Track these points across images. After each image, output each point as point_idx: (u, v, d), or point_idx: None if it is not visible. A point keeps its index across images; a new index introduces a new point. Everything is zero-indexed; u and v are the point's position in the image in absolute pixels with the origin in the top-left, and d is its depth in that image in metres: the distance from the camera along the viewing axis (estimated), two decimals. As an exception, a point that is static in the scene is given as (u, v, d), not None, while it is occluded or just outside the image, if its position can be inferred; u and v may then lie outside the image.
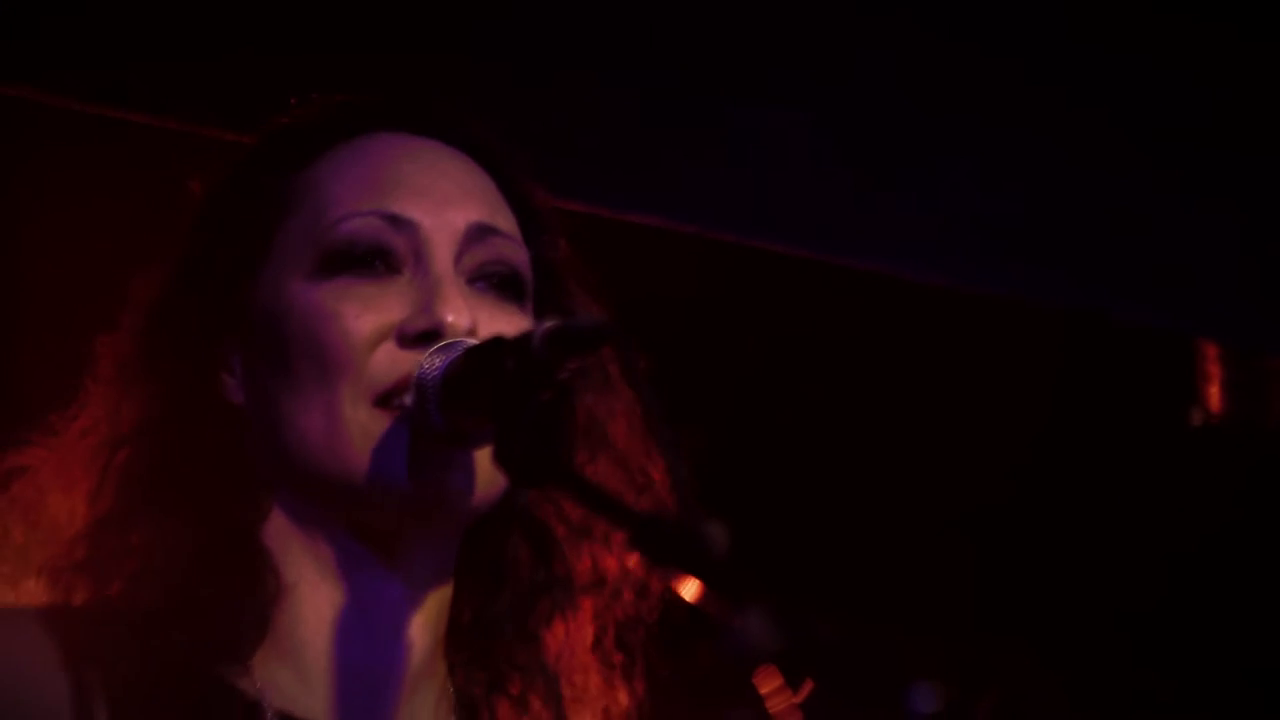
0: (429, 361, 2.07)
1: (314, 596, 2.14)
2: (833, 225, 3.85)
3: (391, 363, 2.09)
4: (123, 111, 3.37)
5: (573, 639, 2.25)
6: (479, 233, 2.17)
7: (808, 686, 1.67)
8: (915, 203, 3.91)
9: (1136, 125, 4.05)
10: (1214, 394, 4.48)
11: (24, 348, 3.33)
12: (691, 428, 1.99)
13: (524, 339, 2.00)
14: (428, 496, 2.09)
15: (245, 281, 2.19)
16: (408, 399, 2.08)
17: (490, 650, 2.24)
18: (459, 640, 2.24)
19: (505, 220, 2.22)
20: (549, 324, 1.99)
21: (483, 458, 2.10)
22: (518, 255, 2.21)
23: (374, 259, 2.14)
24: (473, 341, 2.08)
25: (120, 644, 2.06)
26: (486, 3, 3.56)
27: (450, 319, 2.09)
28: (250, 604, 2.12)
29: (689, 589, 1.74)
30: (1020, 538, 4.36)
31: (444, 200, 2.17)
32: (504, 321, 2.14)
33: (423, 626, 2.17)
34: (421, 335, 2.09)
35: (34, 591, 2.15)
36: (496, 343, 2.03)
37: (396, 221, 2.15)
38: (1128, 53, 4.03)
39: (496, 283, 2.18)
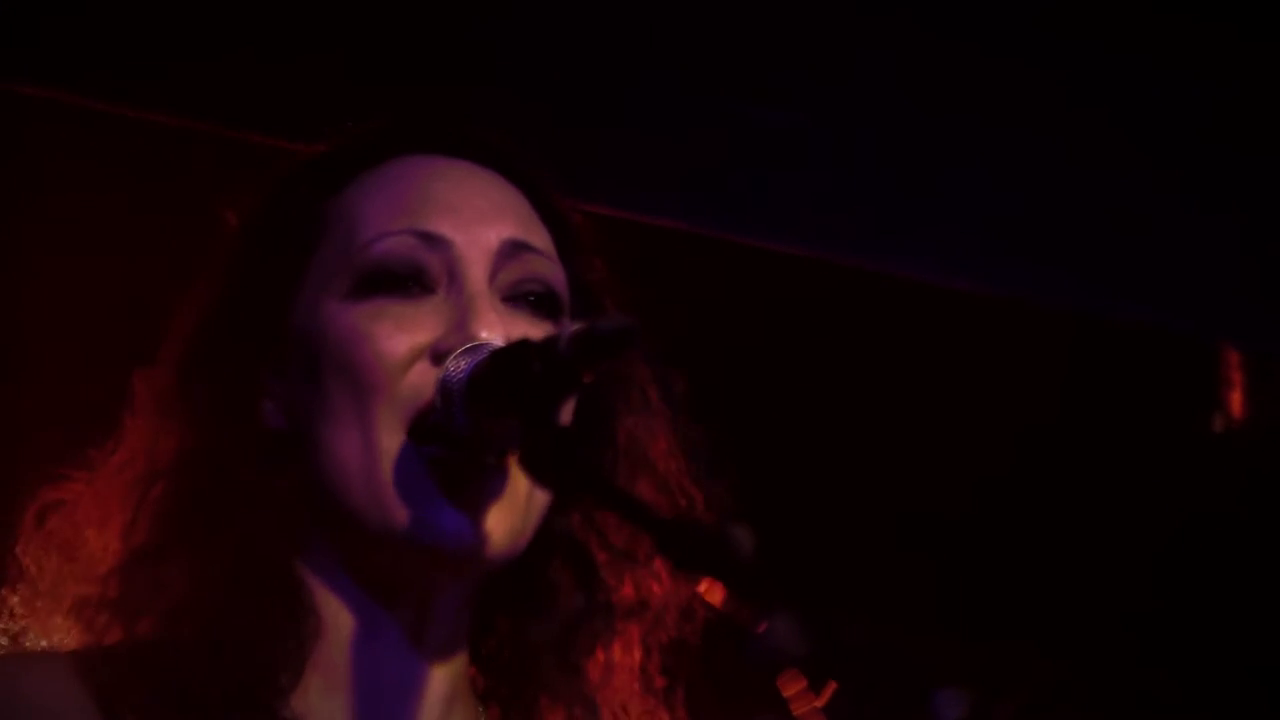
0: (454, 364, 2.06)
1: (349, 628, 2.13)
2: (842, 227, 3.85)
3: (425, 382, 2.09)
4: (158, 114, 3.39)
5: (615, 667, 2.24)
6: (513, 249, 2.16)
7: (830, 690, 1.67)
8: (927, 205, 3.91)
9: (1148, 126, 4.04)
10: (1236, 399, 4.47)
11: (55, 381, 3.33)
12: (715, 435, 2.00)
13: (551, 341, 1.99)
14: (463, 551, 2.08)
15: (282, 307, 2.18)
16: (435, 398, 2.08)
17: (529, 679, 2.23)
18: (497, 668, 2.24)
19: (539, 237, 2.21)
20: (575, 326, 1.99)
21: (520, 498, 2.09)
22: (553, 272, 2.20)
23: (408, 278, 2.13)
24: (499, 343, 2.07)
25: (153, 684, 2.05)
26: (489, 14, 3.57)
27: (484, 335, 2.08)
28: (287, 636, 2.10)
29: (715, 594, 1.74)
30: (1042, 543, 4.36)
31: (477, 217, 2.17)
32: None
33: (454, 654, 2.17)
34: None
35: (64, 628, 2.14)
36: (523, 345, 2.03)
37: (429, 239, 2.14)
38: (1154, 53, 4.03)
39: (532, 300, 2.17)
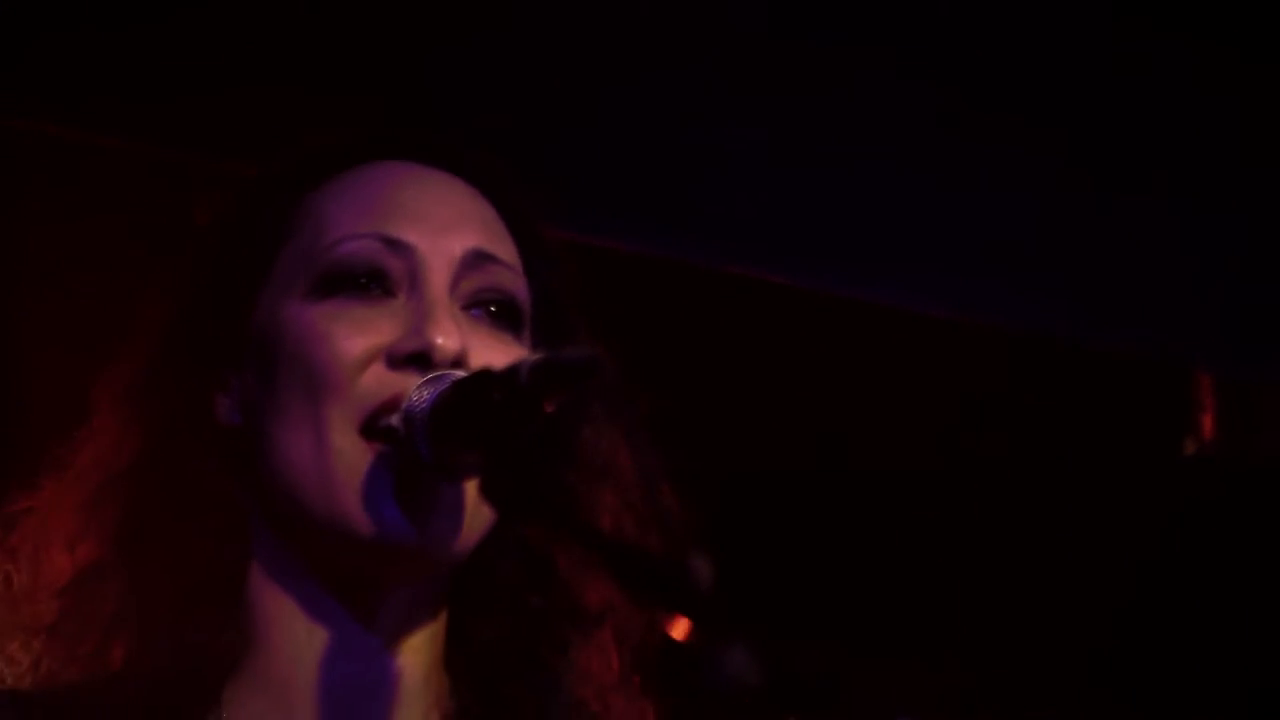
0: (417, 394, 2.07)
1: (293, 626, 2.14)
2: (807, 251, 3.86)
3: (380, 383, 2.10)
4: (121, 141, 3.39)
5: (591, 663, 2.24)
6: (476, 259, 2.18)
7: (790, 721, 1.67)
8: (896, 228, 3.92)
9: (1120, 149, 4.05)
10: (1207, 423, 4.48)
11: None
12: (677, 456, 1.99)
13: (511, 371, 2.00)
14: (410, 548, 2.09)
15: (244, 305, 2.20)
16: (394, 420, 2.08)
17: (496, 675, 2.23)
18: (465, 663, 2.24)
19: (505, 249, 2.22)
20: (536, 356, 1.99)
21: (469, 501, 2.10)
22: (515, 284, 2.21)
23: (369, 281, 2.14)
24: (461, 374, 2.08)
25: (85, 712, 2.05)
26: (458, 29, 3.58)
27: (439, 341, 2.09)
28: (225, 637, 2.11)
29: (676, 625, 1.74)
30: (1012, 568, 4.37)
31: (443, 226, 2.18)
32: (497, 350, 2.14)
33: (410, 652, 2.17)
34: (410, 357, 2.10)
35: (15, 655, 2.15)
36: (484, 375, 2.03)
37: (393, 245, 2.15)
38: (1126, 73, 4.04)
39: (492, 311, 2.18)
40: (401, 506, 2.08)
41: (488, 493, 1.98)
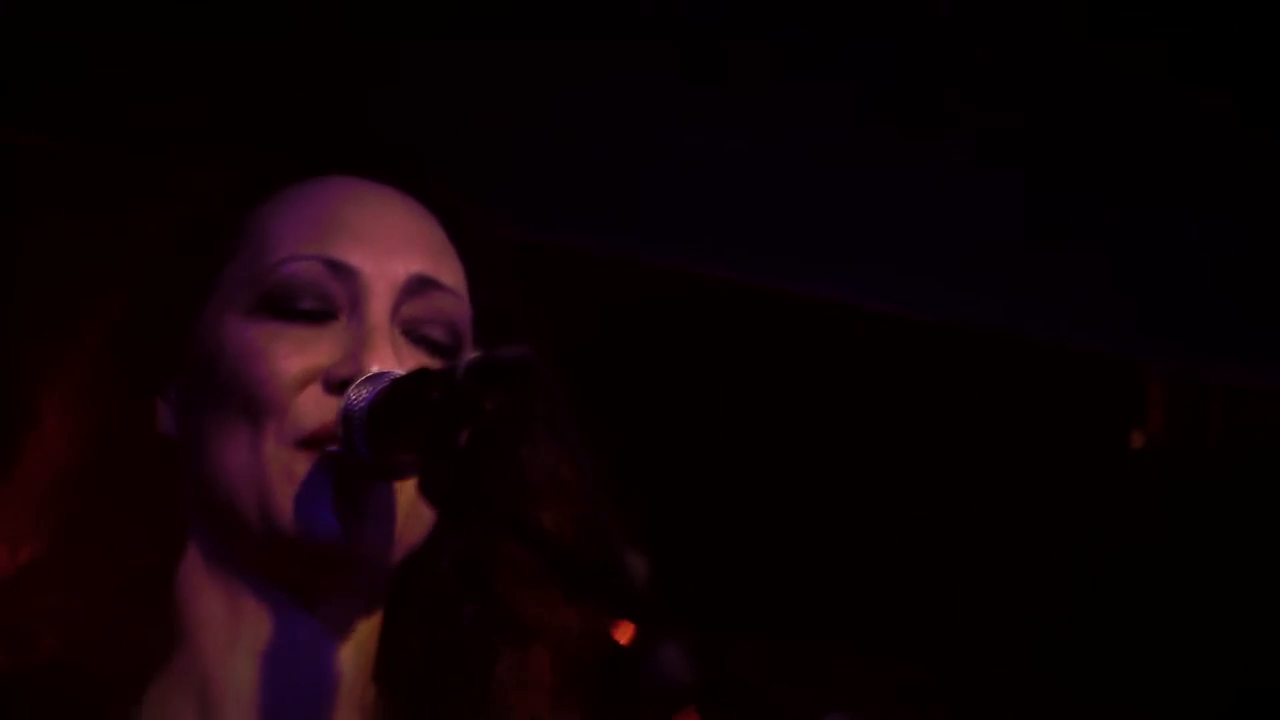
0: (355, 393, 2.08)
1: (219, 628, 2.15)
2: (759, 248, 3.87)
3: (316, 406, 2.11)
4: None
5: (523, 675, 2.25)
6: (419, 285, 2.18)
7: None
8: (845, 226, 3.93)
9: (1064, 140, 4.06)
10: (1155, 417, 4.51)
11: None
12: (620, 460, 2.00)
13: (449, 371, 2.01)
14: (340, 551, 2.11)
15: (186, 316, 2.20)
16: (332, 447, 2.10)
17: (424, 684, 2.23)
18: (394, 671, 2.24)
19: (449, 272, 2.23)
20: (473, 356, 2.01)
21: (404, 504, 2.12)
22: (457, 309, 2.22)
23: (311, 303, 2.15)
24: (399, 373, 2.09)
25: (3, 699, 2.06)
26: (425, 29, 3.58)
27: (375, 369, 2.11)
28: (154, 636, 2.13)
29: (620, 629, 1.75)
30: (958, 562, 4.38)
31: (387, 249, 2.18)
32: None
33: (338, 659, 2.17)
34: (345, 382, 2.11)
35: None
36: (423, 374, 2.05)
37: (336, 267, 2.16)
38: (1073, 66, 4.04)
39: (433, 337, 2.20)
40: (336, 510, 2.09)
41: (426, 492, 1.99)
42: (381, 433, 2.06)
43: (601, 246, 3.77)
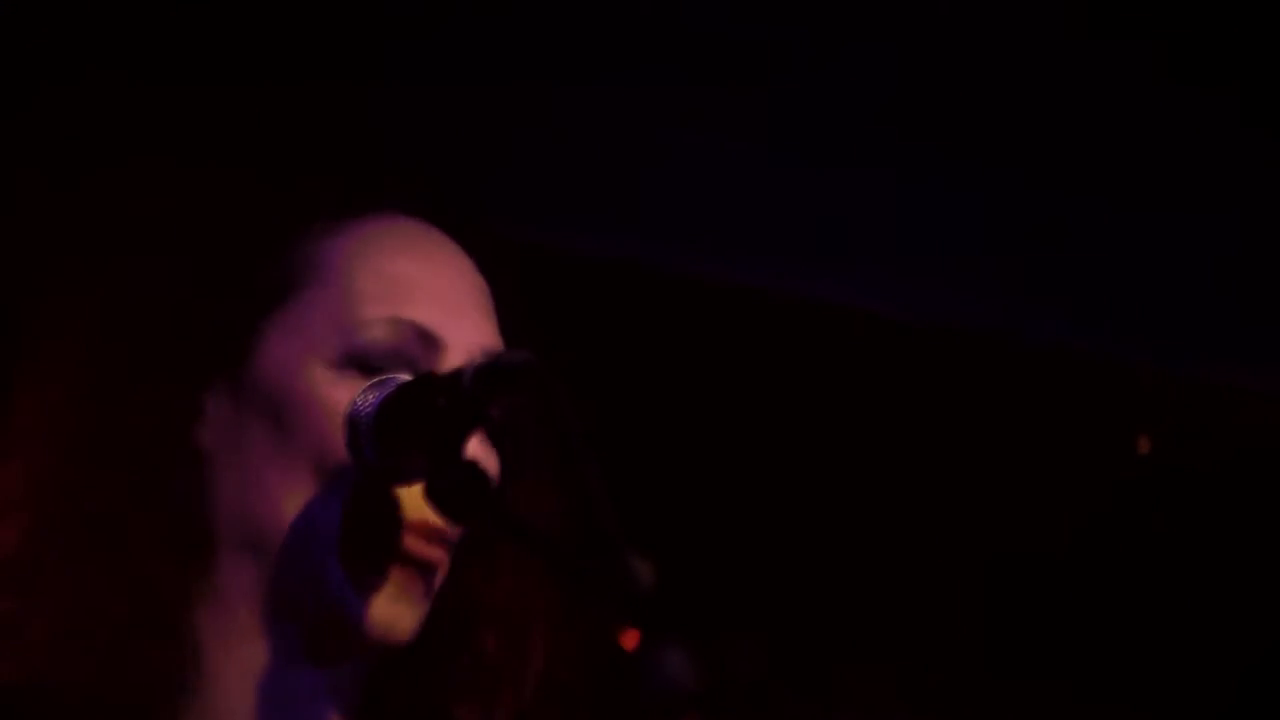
0: (362, 398, 2.09)
1: (235, 680, 2.14)
2: (752, 249, 3.87)
3: (411, 499, 2.12)
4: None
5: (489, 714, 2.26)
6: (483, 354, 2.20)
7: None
8: (840, 226, 3.93)
9: (1063, 142, 4.07)
10: (1160, 424, 4.51)
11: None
12: (620, 464, 2.01)
13: (455, 375, 2.02)
14: (370, 639, 2.12)
15: (248, 333, 2.19)
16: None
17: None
18: (376, 707, 2.25)
19: (495, 332, 2.26)
20: (478, 360, 2.02)
21: (430, 595, 2.15)
22: None
23: (397, 369, 2.16)
24: (405, 377, 2.10)
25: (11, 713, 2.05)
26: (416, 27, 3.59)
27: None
28: (170, 659, 2.11)
29: (617, 630, 1.76)
30: (957, 565, 4.39)
31: (472, 325, 2.21)
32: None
33: (340, 701, 2.19)
34: None
35: None
36: (429, 378, 2.06)
37: (427, 339, 2.18)
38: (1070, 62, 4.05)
39: None
40: (372, 601, 2.12)
41: (432, 495, 2.00)
42: (388, 437, 2.06)
43: (601, 248, 3.78)
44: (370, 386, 2.09)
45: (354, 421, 2.08)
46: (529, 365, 1.98)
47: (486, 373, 1.99)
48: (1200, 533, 4.50)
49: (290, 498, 2.12)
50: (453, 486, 1.99)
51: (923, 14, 3.90)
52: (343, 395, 2.13)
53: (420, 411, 2.03)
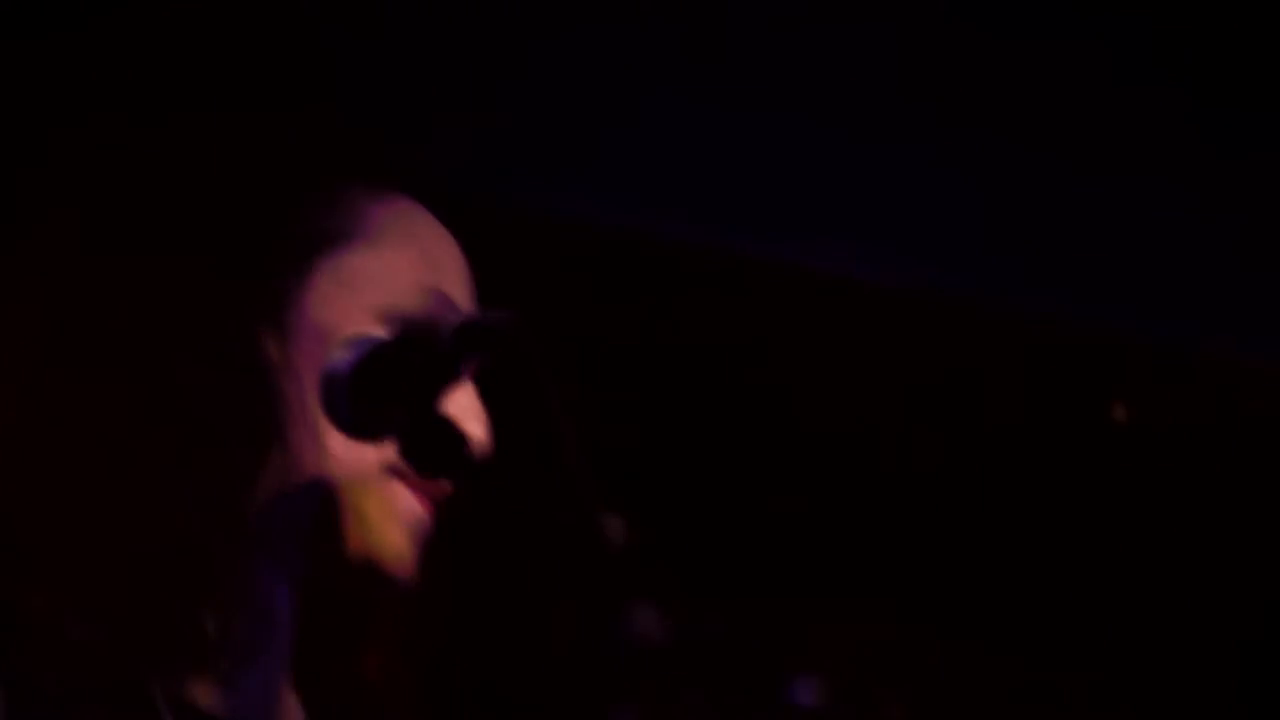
0: (338, 354, 2.07)
1: None
2: (745, 217, 3.88)
3: None
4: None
5: None
6: None
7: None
8: (828, 195, 3.93)
9: (1053, 114, 4.06)
10: (1138, 392, 4.51)
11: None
12: (597, 427, 2.02)
13: (433, 333, 2.03)
14: None
15: (297, 281, 2.15)
16: None
17: None
18: None
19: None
20: (459, 318, 2.02)
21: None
22: None
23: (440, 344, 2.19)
24: (381, 335, 2.09)
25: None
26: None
27: None
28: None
29: (590, 581, 1.77)
30: (936, 532, 4.40)
31: (464, 287, 2.22)
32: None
33: None
34: None
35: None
36: (406, 336, 2.06)
37: (454, 309, 2.19)
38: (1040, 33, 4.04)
39: None
40: None
41: (407, 455, 2.00)
42: (363, 395, 2.06)
43: (586, 212, 3.78)
44: (345, 344, 2.08)
45: (330, 378, 2.08)
46: (508, 323, 1.98)
47: (465, 330, 2.00)
48: (1185, 507, 4.51)
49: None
50: (428, 442, 2.00)
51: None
52: None
53: (397, 369, 2.03)
